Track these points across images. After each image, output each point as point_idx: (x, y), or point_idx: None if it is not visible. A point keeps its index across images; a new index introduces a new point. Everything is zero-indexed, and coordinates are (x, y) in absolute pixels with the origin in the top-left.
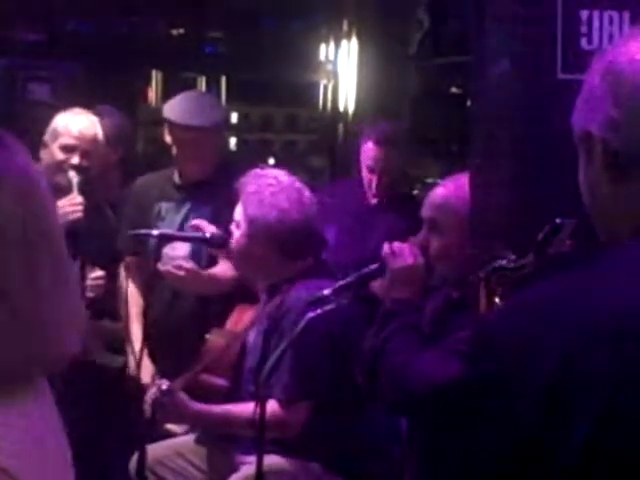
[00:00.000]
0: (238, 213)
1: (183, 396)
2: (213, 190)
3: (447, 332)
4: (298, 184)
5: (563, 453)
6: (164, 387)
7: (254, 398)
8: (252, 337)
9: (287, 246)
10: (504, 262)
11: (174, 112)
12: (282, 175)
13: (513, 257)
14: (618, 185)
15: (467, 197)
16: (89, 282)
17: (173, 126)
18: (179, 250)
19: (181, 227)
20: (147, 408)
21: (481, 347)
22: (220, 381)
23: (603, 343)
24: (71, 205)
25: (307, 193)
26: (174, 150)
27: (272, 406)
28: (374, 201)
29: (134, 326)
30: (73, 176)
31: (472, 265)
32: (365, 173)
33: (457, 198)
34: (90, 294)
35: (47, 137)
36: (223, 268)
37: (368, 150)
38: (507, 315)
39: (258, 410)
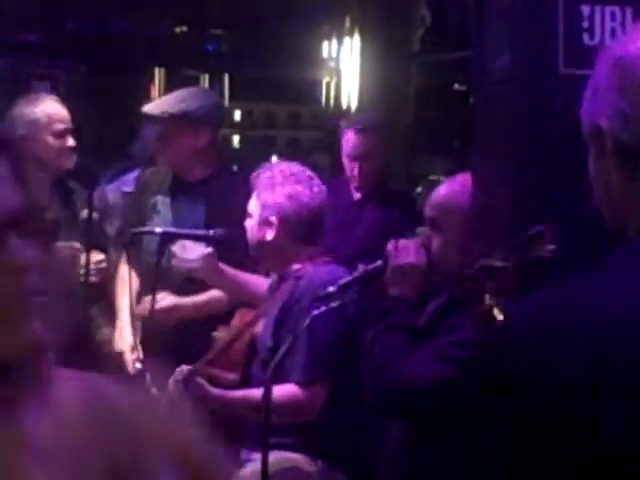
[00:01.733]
0: (252, 204)
1: (202, 380)
2: (209, 188)
3: (442, 332)
4: (309, 173)
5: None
6: (185, 371)
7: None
8: (261, 328)
9: (298, 229)
10: (490, 261)
11: (152, 104)
12: (293, 165)
13: (500, 256)
14: (629, 179)
15: (468, 196)
16: (92, 266)
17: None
18: (189, 252)
19: (174, 222)
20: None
21: (498, 348)
22: (230, 375)
23: (627, 342)
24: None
25: (317, 182)
26: None
27: (290, 390)
28: (358, 196)
29: (122, 300)
30: None
31: (472, 264)
32: (347, 163)
33: (457, 197)
34: (93, 278)
35: (26, 130)
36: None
37: (348, 140)
38: (528, 316)
39: (274, 394)
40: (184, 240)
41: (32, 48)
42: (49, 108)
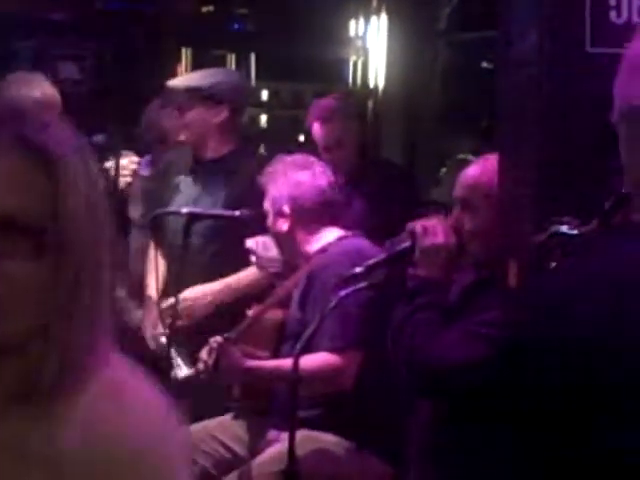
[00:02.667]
0: (265, 204)
1: (235, 350)
2: (228, 167)
3: (472, 312)
4: (311, 158)
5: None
6: (219, 340)
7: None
8: (292, 306)
9: (311, 212)
10: (564, 227)
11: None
12: (295, 155)
13: (575, 222)
14: None
15: (496, 177)
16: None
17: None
18: (272, 250)
19: (195, 201)
20: (206, 360)
21: (517, 314)
22: (260, 352)
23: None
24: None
25: (319, 164)
26: None
27: (323, 357)
28: (342, 180)
29: (151, 281)
30: None
31: (504, 245)
32: (323, 154)
33: (489, 178)
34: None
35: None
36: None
37: (315, 131)
38: (542, 286)
39: (307, 362)
40: (263, 237)
41: (59, 28)
42: (46, 92)
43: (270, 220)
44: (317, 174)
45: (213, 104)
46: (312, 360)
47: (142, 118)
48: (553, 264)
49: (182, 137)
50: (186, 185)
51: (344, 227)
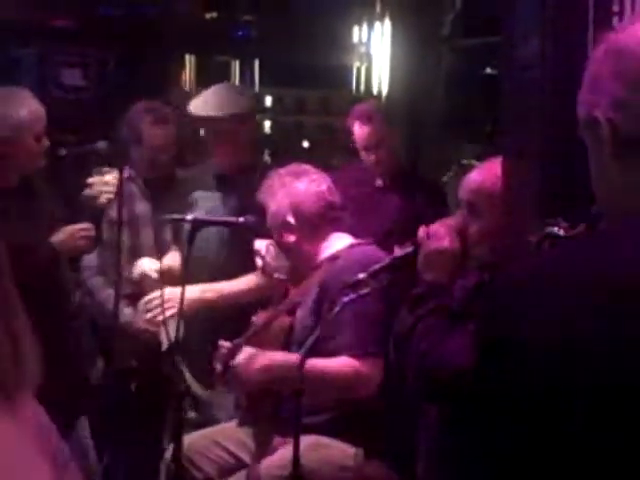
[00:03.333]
0: (269, 219)
1: (251, 349)
2: (242, 180)
3: (474, 316)
4: (305, 166)
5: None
6: (227, 346)
7: None
8: (300, 313)
9: (315, 217)
10: (556, 229)
11: (194, 105)
12: (289, 166)
13: (565, 225)
14: (628, 170)
15: (500, 181)
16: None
17: (194, 119)
18: (280, 258)
19: (207, 213)
20: (218, 366)
21: (485, 314)
22: None
23: (602, 304)
24: (84, 231)
25: (314, 171)
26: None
27: (348, 361)
28: (379, 182)
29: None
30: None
31: (509, 247)
32: (363, 155)
33: (493, 181)
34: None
35: (10, 132)
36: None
37: (357, 132)
38: (507, 285)
39: (333, 365)
40: (273, 243)
41: (62, 35)
42: (32, 109)
43: (276, 235)
44: (314, 180)
45: (249, 122)
46: (337, 362)
47: (124, 117)
48: None
49: (218, 161)
50: (203, 199)
51: (365, 229)
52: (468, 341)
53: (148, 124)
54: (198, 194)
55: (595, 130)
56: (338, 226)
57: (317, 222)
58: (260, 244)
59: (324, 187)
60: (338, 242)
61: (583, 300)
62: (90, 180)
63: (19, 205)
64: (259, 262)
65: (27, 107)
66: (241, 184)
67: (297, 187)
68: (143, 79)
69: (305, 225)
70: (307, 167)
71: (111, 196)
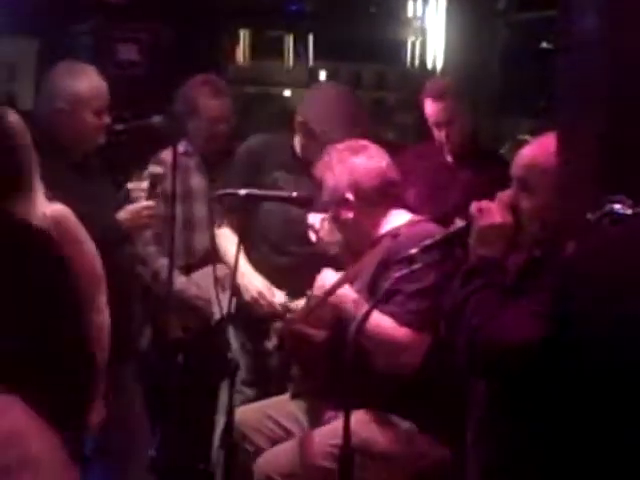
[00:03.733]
0: (323, 196)
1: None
2: None
3: (529, 291)
4: (362, 142)
5: None
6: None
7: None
8: (356, 288)
9: (373, 194)
10: (619, 207)
11: (319, 122)
12: (349, 142)
13: (629, 202)
14: None
15: (553, 157)
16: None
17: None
18: (335, 235)
19: None
20: (269, 342)
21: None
22: (321, 333)
23: None
24: (147, 209)
25: (373, 147)
26: (307, 150)
27: (395, 327)
28: (450, 159)
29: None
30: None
31: (563, 224)
32: (435, 132)
33: (546, 157)
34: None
35: (66, 104)
36: None
37: (428, 108)
38: (583, 261)
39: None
40: (326, 222)
41: (116, 10)
42: (93, 84)
43: (333, 211)
44: (373, 156)
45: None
46: (390, 323)
47: (179, 89)
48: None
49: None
50: (286, 183)
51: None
52: (520, 317)
53: (205, 96)
54: (280, 175)
55: None
56: (396, 202)
57: (376, 199)
58: (314, 219)
59: (383, 163)
60: (396, 218)
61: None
62: (129, 186)
63: (83, 182)
64: (313, 237)
65: (87, 81)
66: None
67: (356, 163)
68: (197, 54)
69: (364, 202)
70: (365, 143)
71: (142, 225)
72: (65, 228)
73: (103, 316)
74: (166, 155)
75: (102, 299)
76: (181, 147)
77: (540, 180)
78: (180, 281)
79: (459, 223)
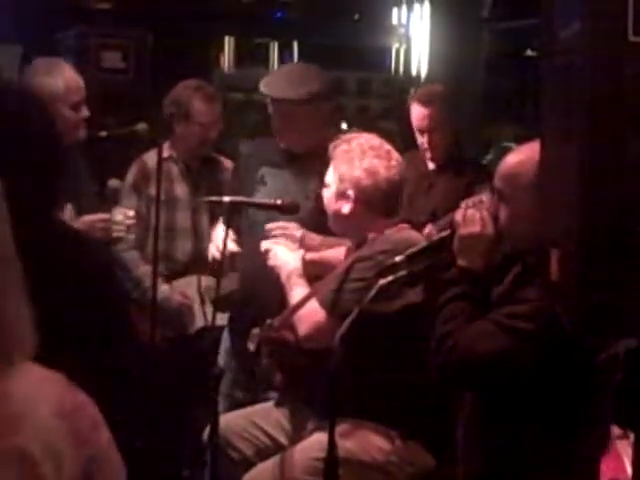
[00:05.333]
0: (329, 175)
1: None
2: (319, 161)
3: (504, 303)
4: (387, 147)
5: None
6: (268, 322)
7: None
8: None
9: (374, 203)
10: None
11: (264, 84)
12: (373, 138)
13: None
14: None
15: (534, 166)
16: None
17: (266, 97)
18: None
19: (283, 194)
20: (251, 344)
21: None
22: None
23: None
24: (102, 222)
25: (395, 155)
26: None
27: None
28: (432, 166)
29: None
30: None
31: (546, 235)
32: (418, 136)
33: (523, 168)
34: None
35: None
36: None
37: (414, 112)
38: None
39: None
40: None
41: (102, 17)
42: (67, 79)
43: (331, 196)
44: (391, 167)
45: (325, 104)
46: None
47: (170, 93)
48: None
49: (286, 141)
50: (272, 177)
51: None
52: (490, 329)
53: (198, 101)
54: (266, 170)
55: None
56: (394, 215)
57: (375, 206)
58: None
59: (397, 177)
60: (380, 229)
61: None
62: (104, 216)
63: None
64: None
65: (61, 77)
66: (311, 167)
67: (374, 166)
68: (182, 61)
69: (362, 204)
70: (390, 148)
71: (121, 234)
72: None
73: None
74: (147, 158)
75: None
76: (165, 152)
77: (513, 191)
78: (163, 289)
79: (431, 229)
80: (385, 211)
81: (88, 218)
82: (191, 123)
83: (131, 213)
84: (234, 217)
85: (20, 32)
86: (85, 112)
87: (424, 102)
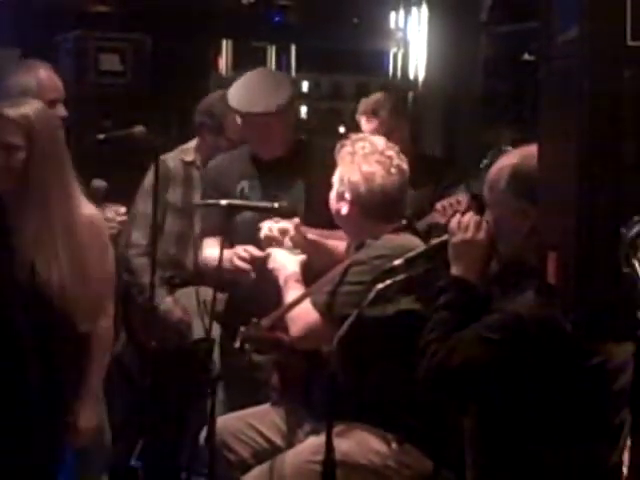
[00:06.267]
0: (335, 175)
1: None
2: (298, 163)
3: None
4: (391, 152)
5: None
6: (254, 320)
7: None
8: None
9: (371, 209)
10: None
11: (236, 100)
12: (377, 141)
13: None
14: None
15: (510, 172)
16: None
17: (238, 113)
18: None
19: (271, 201)
20: (237, 340)
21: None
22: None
23: None
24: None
25: (397, 162)
26: (245, 134)
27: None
28: None
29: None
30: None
31: (532, 242)
32: None
33: (502, 173)
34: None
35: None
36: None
37: (363, 126)
38: None
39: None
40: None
41: (100, 20)
42: (41, 76)
43: (333, 195)
44: (393, 173)
45: (293, 111)
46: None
47: (201, 101)
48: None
49: (265, 152)
50: (252, 189)
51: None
52: (468, 339)
53: (232, 117)
54: (245, 183)
55: None
56: (391, 220)
57: (371, 212)
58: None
59: (396, 184)
60: (379, 233)
61: None
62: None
63: None
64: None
65: (34, 74)
66: (292, 173)
67: (373, 172)
68: (180, 64)
69: (358, 207)
70: (393, 153)
71: (114, 231)
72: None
73: (109, 321)
74: (168, 159)
75: (111, 305)
76: (189, 155)
77: (492, 197)
78: (166, 301)
79: (434, 240)
80: (382, 216)
81: None
82: (221, 137)
83: (122, 210)
84: (226, 223)
85: (19, 35)
86: (62, 111)
87: (369, 114)
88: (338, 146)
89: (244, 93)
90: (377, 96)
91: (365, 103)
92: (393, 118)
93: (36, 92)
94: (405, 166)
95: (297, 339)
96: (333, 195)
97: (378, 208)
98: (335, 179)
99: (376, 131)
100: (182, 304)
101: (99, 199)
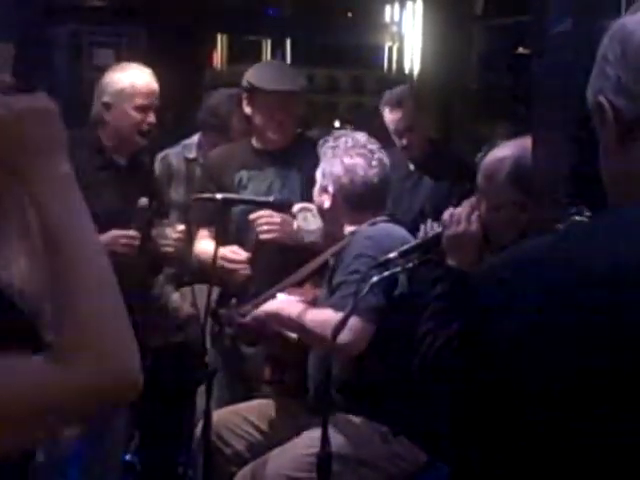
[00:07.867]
0: (318, 170)
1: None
2: (296, 156)
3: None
4: (372, 146)
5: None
6: (233, 301)
7: None
8: (323, 285)
9: (353, 200)
10: (578, 218)
11: (263, 79)
12: (359, 136)
13: (588, 213)
14: (629, 156)
15: (510, 162)
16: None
17: (260, 92)
18: (311, 223)
19: (267, 193)
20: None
21: (464, 300)
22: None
23: (597, 292)
24: (126, 238)
25: (378, 155)
26: (256, 119)
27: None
28: (412, 167)
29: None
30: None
31: (524, 233)
32: (395, 139)
33: (498, 164)
34: (169, 249)
35: (110, 98)
36: None
37: (387, 117)
38: (491, 269)
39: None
40: (306, 212)
41: (94, 15)
42: (137, 79)
43: (316, 190)
44: (373, 165)
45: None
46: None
47: (204, 99)
48: None
49: (279, 135)
50: (251, 180)
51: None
52: (450, 336)
53: (237, 119)
54: (243, 173)
55: (601, 114)
56: (378, 211)
57: (355, 204)
58: (297, 208)
59: (378, 174)
60: (361, 224)
61: (555, 294)
62: (153, 232)
63: (121, 183)
64: (294, 225)
65: (131, 76)
66: (295, 163)
67: (354, 165)
68: (175, 59)
69: (342, 201)
70: (374, 146)
71: (170, 249)
72: None
73: None
74: (172, 156)
75: None
76: (192, 153)
77: (489, 185)
78: (174, 298)
79: (429, 232)
80: (364, 207)
81: (113, 233)
82: (225, 138)
83: (180, 227)
84: (221, 217)
85: (12, 29)
86: (152, 117)
87: (394, 105)
88: (321, 142)
89: (269, 73)
90: (402, 87)
91: (389, 93)
92: (416, 112)
93: (129, 94)
94: (386, 160)
95: (347, 347)
96: (316, 189)
97: (359, 199)
98: (317, 174)
99: (399, 122)
100: (190, 299)
101: (146, 217)
